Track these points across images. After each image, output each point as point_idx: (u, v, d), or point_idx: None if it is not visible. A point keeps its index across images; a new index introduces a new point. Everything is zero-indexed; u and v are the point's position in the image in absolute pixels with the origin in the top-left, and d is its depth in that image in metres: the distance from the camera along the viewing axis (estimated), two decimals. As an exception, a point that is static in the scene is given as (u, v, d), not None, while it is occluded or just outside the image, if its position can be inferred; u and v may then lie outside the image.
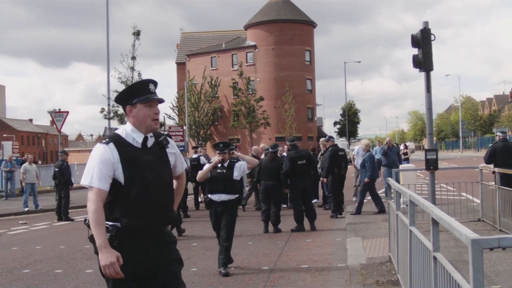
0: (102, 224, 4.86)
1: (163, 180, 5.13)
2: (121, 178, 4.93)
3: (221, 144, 11.52)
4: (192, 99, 76.75)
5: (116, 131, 5.25)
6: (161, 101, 5.24)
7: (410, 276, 7.26)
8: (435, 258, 5.43)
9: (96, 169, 4.90)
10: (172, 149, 5.37)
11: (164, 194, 5.14)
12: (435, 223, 5.37)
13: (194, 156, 23.09)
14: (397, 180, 20.48)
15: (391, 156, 21.77)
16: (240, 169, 11.34)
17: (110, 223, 4.93)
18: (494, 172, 15.96)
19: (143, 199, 4.94)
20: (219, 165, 11.36)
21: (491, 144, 18.38)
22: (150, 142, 5.15)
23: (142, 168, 4.98)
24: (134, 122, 5.13)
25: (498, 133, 18.56)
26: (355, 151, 24.35)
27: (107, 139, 5.07)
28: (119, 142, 5.03)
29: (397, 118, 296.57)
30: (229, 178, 11.22)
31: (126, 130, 5.14)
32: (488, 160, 17.18)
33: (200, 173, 11.61)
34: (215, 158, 11.61)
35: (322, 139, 22.17)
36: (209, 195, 11.33)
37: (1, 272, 11.97)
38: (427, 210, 5.75)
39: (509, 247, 3.71)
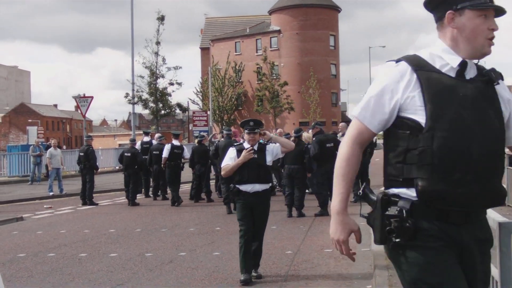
0: (348, 176, 3.50)
1: (491, 130, 3.30)
2: (420, 116, 3.26)
3: (251, 122, 9.70)
4: (216, 84, 76.70)
5: (417, 52, 3.52)
6: (501, 11, 3.42)
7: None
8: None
9: (372, 99, 3.41)
10: (506, 93, 3.50)
11: (493, 153, 3.30)
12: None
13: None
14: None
15: None
16: (273, 153, 9.69)
17: (400, 190, 3.34)
18: None
19: (459, 154, 3.20)
20: (247, 148, 9.53)
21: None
22: (472, 72, 3.45)
23: (457, 104, 3.26)
24: (452, 38, 3.41)
25: None
26: None
27: (399, 58, 3.46)
28: (418, 64, 3.37)
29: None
30: (262, 165, 9.50)
31: (433, 51, 3.46)
32: None
33: (227, 167, 9.53)
34: (243, 144, 9.73)
35: (342, 124, 22.18)
36: (237, 186, 9.48)
37: (27, 255, 12.04)
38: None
39: (538, 230, 3.64)
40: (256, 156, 9.43)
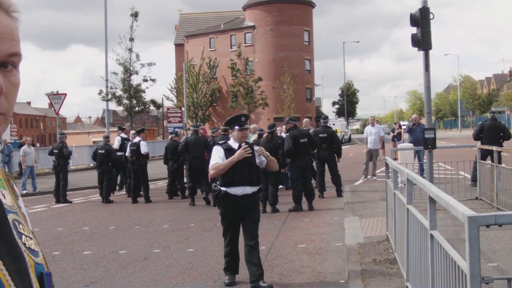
0: None
1: None
2: None
3: (243, 117, 8.91)
4: (191, 80, 76.49)
5: None
6: None
7: (408, 254, 7.23)
8: (432, 236, 5.40)
9: None
10: None
11: None
12: (432, 201, 5.34)
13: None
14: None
15: (416, 133, 21.42)
16: (258, 157, 8.83)
17: None
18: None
19: None
20: (236, 148, 8.72)
21: (480, 122, 18.99)
22: None
23: None
24: None
25: (488, 113, 19.25)
26: (366, 131, 24.22)
27: None
28: None
29: (396, 98, 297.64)
30: (254, 164, 8.74)
31: None
32: (476, 137, 18.02)
33: (217, 166, 8.58)
34: (229, 143, 8.94)
35: (306, 119, 22.28)
36: (224, 189, 8.61)
37: (-1, 254, 11.93)
38: (424, 188, 5.73)
39: (505, 224, 3.68)
40: (251, 155, 8.64)
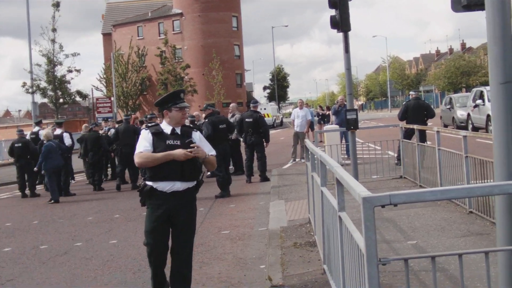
0: None
1: None
2: None
3: (182, 94, 7.36)
4: (120, 69, 75.57)
5: None
6: None
7: (323, 236, 7.22)
8: (340, 218, 5.38)
9: None
10: None
11: None
12: (339, 183, 5.32)
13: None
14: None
15: (342, 115, 21.49)
16: (201, 142, 7.22)
17: None
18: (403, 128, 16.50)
19: None
20: (169, 133, 7.08)
21: (404, 102, 19.27)
22: None
23: None
24: None
25: (411, 92, 19.54)
26: (293, 114, 24.22)
27: None
28: None
29: (327, 80, 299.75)
30: (184, 145, 6.99)
31: None
32: (402, 117, 18.26)
33: (146, 155, 6.90)
34: (161, 126, 7.20)
35: (232, 105, 22.43)
36: (151, 183, 6.98)
37: None
38: (332, 170, 5.70)
39: (400, 203, 3.64)
40: (179, 134, 7.09)
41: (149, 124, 7.50)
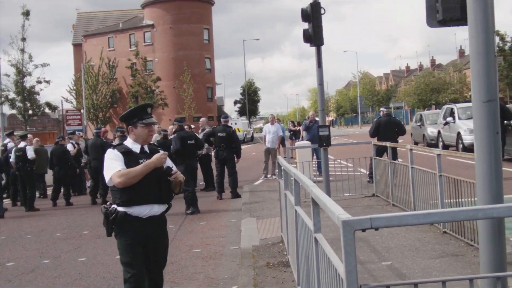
0: None
1: None
2: None
3: (149, 108, 6.65)
4: (90, 81, 74.90)
5: None
6: None
7: (297, 257, 7.07)
8: (316, 239, 5.23)
9: None
10: None
11: None
12: (315, 203, 5.16)
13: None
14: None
15: (313, 131, 21.47)
16: (168, 160, 6.56)
17: None
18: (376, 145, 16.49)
19: None
20: (137, 151, 6.43)
21: (375, 119, 19.28)
22: None
23: None
24: None
25: (382, 109, 19.57)
26: (265, 129, 24.07)
27: None
28: None
29: (298, 95, 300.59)
30: (163, 175, 6.39)
31: None
32: (373, 133, 18.27)
33: (126, 173, 6.14)
34: (127, 144, 6.51)
35: (202, 119, 22.39)
36: (123, 209, 6.22)
37: None
38: (308, 189, 5.55)
39: (382, 227, 3.49)
40: (147, 152, 6.50)
41: (114, 144, 6.81)
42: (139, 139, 6.43)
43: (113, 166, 6.20)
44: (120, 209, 6.20)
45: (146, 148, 6.46)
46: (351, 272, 3.48)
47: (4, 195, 21.44)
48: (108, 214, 6.25)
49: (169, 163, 6.51)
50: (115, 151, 6.32)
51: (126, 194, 6.15)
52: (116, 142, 17.45)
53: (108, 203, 6.44)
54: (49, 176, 22.13)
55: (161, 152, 6.42)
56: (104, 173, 6.31)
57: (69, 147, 22.50)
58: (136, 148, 6.40)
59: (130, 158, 6.27)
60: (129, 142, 6.47)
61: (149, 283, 6.46)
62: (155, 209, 6.29)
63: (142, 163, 6.24)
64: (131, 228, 6.21)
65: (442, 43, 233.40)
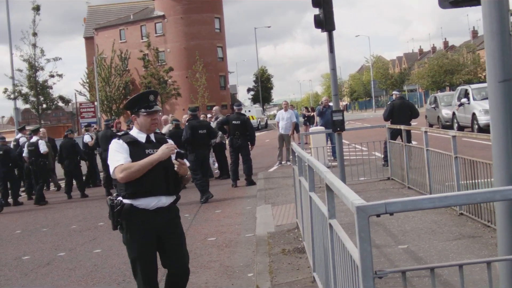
0: None
1: None
2: None
3: (151, 95, 6.27)
4: (103, 73, 74.98)
5: None
6: None
7: (313, 243, 7.02)
8: (330, 225, 5.16)
9: None
10: None
11: None
12: (329, 189, 5.09)
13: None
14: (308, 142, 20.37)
15: (327, 116, 21.42)
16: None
17: None
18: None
19: None
20: (143, 141, 6.15)
21: (389, 102, 19.19)
22: None
23: None
24: None
25: (394, 92, 19.46)
26: (278, 116, 23.95)
27: None
28: None
29: (311, 81, 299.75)
30: (171, 165, 6.13)
31: None
32: (387, 117, 18.15)
33: (129, 166, 5.87)
34: (132, 134, 6.22)
35: (215, 107, 22.38)
36: (129, 201, 5.94)
37: None
38: (322, 175, 5.47)
39: (397, 211, 3.42)
40: (154, 142, 6.20)
41: (119, 134, 6.37)
42: (143, 128, 6.16)
43: (117, 158, 5.96)
44: (126, 201, 5.94)
45: (152, 137, 6.19)
46: (366, 258, 3.41)
47: (21, 189, 21.62)
48: (114, 206, 5.98)
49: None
50: (120, 141, 6.06)
51: (132, 186, 5.91)
52: None
53: (114, 195, 6.15)
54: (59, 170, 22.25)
55: (167, 143, 6.14)
56: (108, 163, 6.06)
57: (87, 138, 22.60)
58: (141, 137, 6.13)
59: (136, 148, 6.02)
60: (134, 132, 6.21)
61: (170, 278, 6.21)
62: (163, 201, 6.02)
63: (148, 153, 6.00)
64: (138, 221, 5.94)
65: (455, 25, 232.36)
